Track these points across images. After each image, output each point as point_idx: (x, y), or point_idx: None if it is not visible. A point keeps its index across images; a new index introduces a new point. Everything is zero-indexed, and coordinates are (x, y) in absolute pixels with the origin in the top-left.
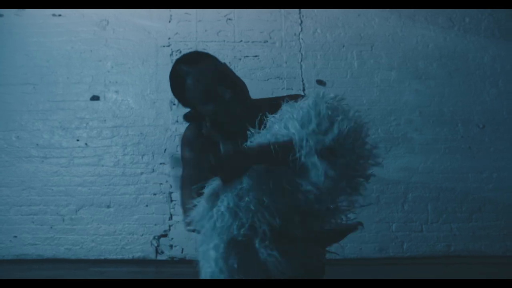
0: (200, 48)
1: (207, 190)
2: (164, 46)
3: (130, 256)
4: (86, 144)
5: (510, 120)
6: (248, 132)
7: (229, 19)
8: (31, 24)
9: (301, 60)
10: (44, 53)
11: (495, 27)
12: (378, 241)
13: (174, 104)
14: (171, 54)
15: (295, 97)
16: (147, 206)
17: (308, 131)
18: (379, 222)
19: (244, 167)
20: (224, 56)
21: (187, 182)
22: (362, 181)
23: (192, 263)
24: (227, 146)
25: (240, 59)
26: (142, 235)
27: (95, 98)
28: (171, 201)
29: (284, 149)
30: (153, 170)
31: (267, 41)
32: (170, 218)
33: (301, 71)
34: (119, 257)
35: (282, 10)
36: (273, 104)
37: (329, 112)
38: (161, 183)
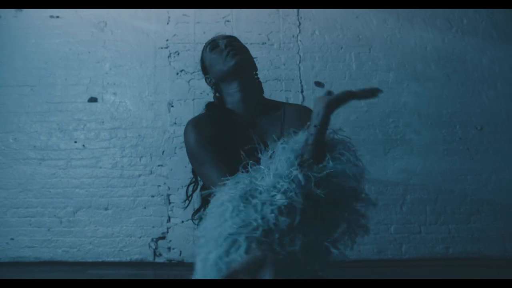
0: (198, 49)
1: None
2: (162, 48)
3: (128, 259)
4: (83, 146)
5: (509, 121)
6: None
7: (227, 20)
8: (29, 25)
9: (299, 62)
10: (42, 54)
11: (493, 29)
12: (377, 243)
13: (172, 106)
14: (169, 56)
15: (297, 107)
16: (145, 208)
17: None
18: (377, 224)
19: None
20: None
21: (214, 163)
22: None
23: (190, 265)
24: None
25: None
26: (140, 237)
27: (93, 99)
28: (169, 203)
29: None
30: (151, 172)
31: (265, 43)
32: (168, 220)
33: (300, 73)
34: (117, 259)
35: (280, 12)
36: (277, 111)
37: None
38: (159, 185)
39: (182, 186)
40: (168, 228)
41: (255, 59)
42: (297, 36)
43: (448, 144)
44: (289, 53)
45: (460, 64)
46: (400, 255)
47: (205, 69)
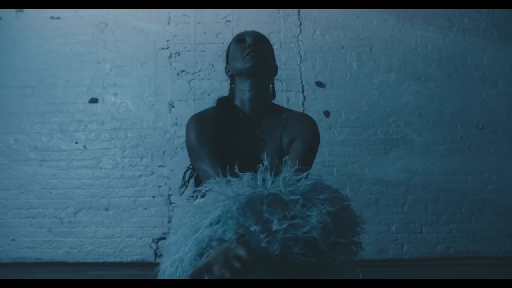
0: (199, 50)
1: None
2: (162, 48)
3: (129, 259)
4: (84, 146)
5: (510, 121)
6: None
7: (228, 21)
8: (30, 26)
9: (300, 62)
10: (42, 55)
11: (494, 28)
12: (378, 243)
13: (173, 107)
14: (169, 56)
15: (299, 115)
16: (146, 208)
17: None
18: (378, 224)
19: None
20: (223, 58)
21: (211, 160)
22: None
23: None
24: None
25: None
26: (141, 238)
27: (93, 100)
28: (170, 203)
29: None
30: (152, 173)
31: None
32: (169, 220)
33: (300, 73)
34: (118, 260)
35: (281, 12)
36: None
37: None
38: (160, 186)
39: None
40: (169, 229)
41: None
42: (298, 36)
43: (449, 143)
44: (289, 53)
45: (461, 64)
46: (401, 255)
47: (227, 58)
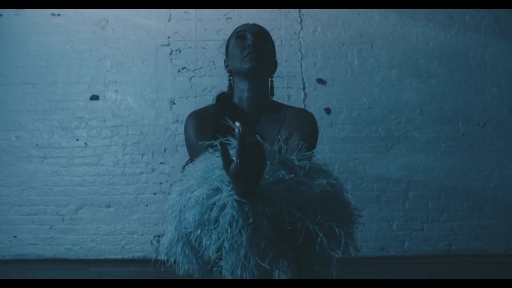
0: (199, 47)
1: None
2: (163, 45)
3: (130, 256)
4: (85, 143)
5: (511, 118)
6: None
7: (229, 18)
8: (31, 24)
9: (301, 59)
10: (43, 53)
11: (495, 25)
12: (379, 240)
13: (174, 104)
14: (170, 53)
15: (297, 110)
16: (147, 205)
17: None
18: (379, 221)
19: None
20: (224, 55)
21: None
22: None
23: None
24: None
25: None
26: (142, 234)
27: (94, 97)
28: None
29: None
30: (153, 170)
31: None
32: None
33: (301, 70)
34: (119, 257)
35: (282, 9)
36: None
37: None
38: (161, 183)
39: None
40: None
41: None
42: (299, 33)
43: (450, 141)
44: (290, 50)
45: (462, 61)
46: (402, 252)
47: (227, 52)
